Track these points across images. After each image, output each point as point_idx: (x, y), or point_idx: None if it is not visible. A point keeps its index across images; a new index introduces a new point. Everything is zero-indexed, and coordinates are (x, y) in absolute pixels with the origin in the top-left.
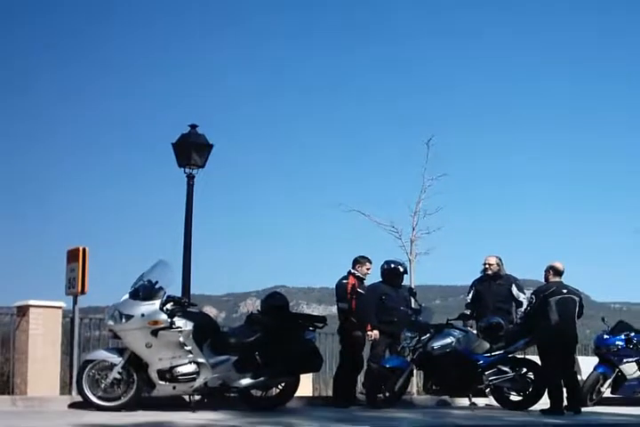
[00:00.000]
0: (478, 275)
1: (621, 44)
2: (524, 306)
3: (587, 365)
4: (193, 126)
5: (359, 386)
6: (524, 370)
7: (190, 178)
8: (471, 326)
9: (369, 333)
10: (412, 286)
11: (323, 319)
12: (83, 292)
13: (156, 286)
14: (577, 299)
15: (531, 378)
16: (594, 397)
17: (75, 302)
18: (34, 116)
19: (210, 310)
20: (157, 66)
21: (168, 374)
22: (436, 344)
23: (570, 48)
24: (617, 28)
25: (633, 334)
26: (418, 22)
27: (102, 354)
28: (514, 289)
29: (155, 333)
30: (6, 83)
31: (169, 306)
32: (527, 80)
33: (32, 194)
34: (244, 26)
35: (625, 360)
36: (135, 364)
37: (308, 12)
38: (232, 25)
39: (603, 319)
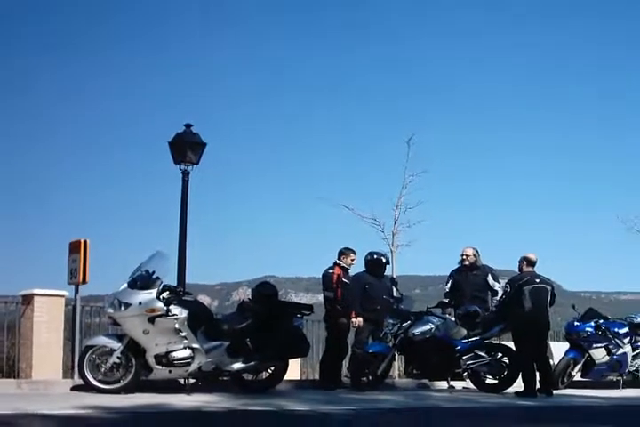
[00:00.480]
0: (456, 265)
1: (599, 48)
2: (500, 295)
3: (558, 350)
4: (188, 126)
5: (344, 370)
6: (500, 355)
7: (185, 174)
8: (449, 314)
9: (353, 320)
10: (394, 276)
11: (310, 307)
12: (84, 281)
13: (153, 276)
14: (549, 288)
15: (505, 362)
16: (565, 380)
17: (76, 291)
18: (34, 116)
19: (204, 299)
20: (155, 67)
21: (164, 359)
22: (417, 331)
23: (547, 52)
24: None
25: (602, 321)
26: (409, 24)
27: (102, 340)
28: (489, 279)
29: (152, 320)
30: (6, 83)
31: (165, 295)
32: (508, 81)
33: (36, 191)
34: (242, 27)
35: (594, 346)
36: (133, 349)
37: (305, 13)
38: (231, 26)
39: (573, 307)
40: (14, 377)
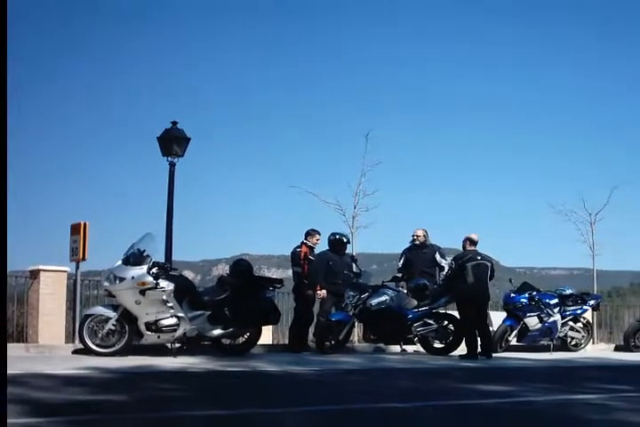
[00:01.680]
0: (408, 244)
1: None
2: (446, 270)
3: (497, 318)
4: (174, 123)
5: (310, 336)
6: (446, 322)
7: (172, 165)
8: (402, 287)
9: (318, 292)
10: (354, 254)
11: (280, 281)
12: (83, 259)
13: (144, 254)
14: (489, 264)
15: (451, 329)
16: (503, 345)
17: (77, 267)
18: (39, 118)
19: (188, 274)
20: (150, 72)
21: (153, 326)
22: (374, 301)
23: (484, 50)
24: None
25: (534, 293)
26: (369, 30)
27: (100, 309)
28: (437, 256)
29: (143, 292)
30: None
31: (154, 270)
32: (458, 84)
33: (42, 179)
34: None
35: (528, 315)
36: (127, 317)
37: (274, 21)
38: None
39: (510, 281)
40: (23, 342)
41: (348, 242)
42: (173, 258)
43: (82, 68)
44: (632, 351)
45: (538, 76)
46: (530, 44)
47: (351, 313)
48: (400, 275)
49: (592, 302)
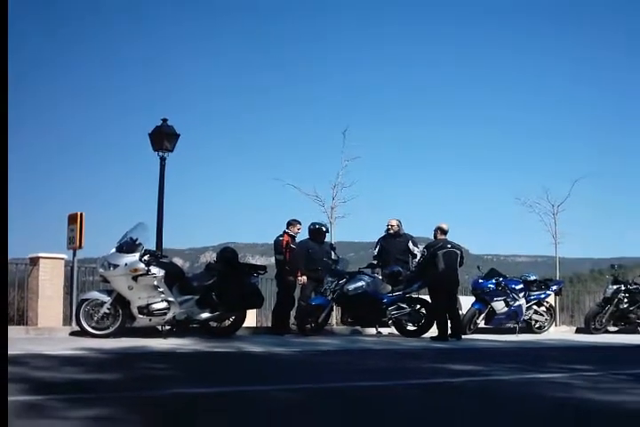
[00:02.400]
0: (383, 233)
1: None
2: (418, 258)
3: (466, 302)
4: (164, 120)
5: (292, 319)
6: (418, 306)
7: (162, 160)
8: (377, 273)
9: (299, 278)
10: (332, 242)
11: (264, 268)
12: (80, 246)
13: (136, 242)
14: (458, 252)
15: (423, 313)
16: (471, 327)
17: (74, 255)
18: (39, 115)
19: (177, 261)
20: (139, 72)
21: (145, 310)
22: (351, 287)
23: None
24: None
25: (501, 279)
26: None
27: (95, 294)
28: (410, 244)
29: (135, 278)
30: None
31: (146, 257)
32: (418, 83)
33: (42, 172)
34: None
35: (495, 299)
36: (120, 302)
37: (258, 21)
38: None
39: (478, 267)
40: (23, 325)
41: (327, 231)
42: (164, 246)
43: (80, 68)
44: (592, 333)
45: (503, 76)
46: (498, 45)
47: (330, 298)
48: (375, 262)
49: (555, 288)
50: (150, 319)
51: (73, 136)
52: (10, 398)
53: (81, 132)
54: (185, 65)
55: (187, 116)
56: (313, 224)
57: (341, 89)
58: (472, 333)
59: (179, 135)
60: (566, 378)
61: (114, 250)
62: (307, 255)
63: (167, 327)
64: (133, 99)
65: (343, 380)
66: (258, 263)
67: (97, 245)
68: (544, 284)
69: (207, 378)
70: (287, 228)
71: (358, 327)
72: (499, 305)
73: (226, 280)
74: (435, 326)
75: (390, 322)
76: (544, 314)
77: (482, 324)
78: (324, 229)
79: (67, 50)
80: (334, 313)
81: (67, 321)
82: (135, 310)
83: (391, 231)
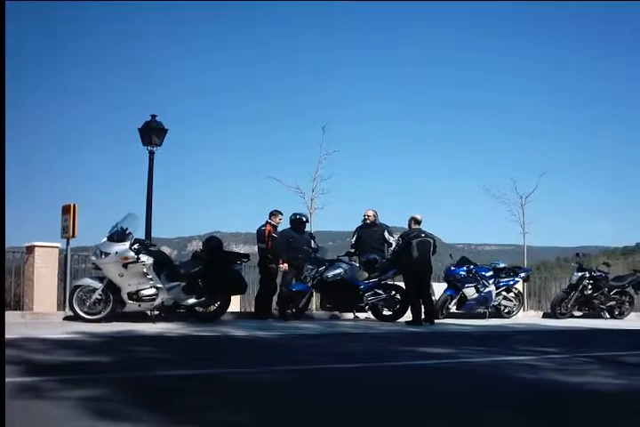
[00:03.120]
0: (360, 223)
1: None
2: (393, 246)
3: (438, 289)
4: (153, 116)
5: (274, 304)
6: (393, 292)
7: (151, 154)
8: (355, 261)
9: (281, 265)
10: (312, 232)
11: (247, 256)
12: (73, 236)
13: (127, 232)
14: (432, 241)
15: (398, 298)
16: (444, 312)
17: (67, 244)
18: (35, 111)
19: (165, 249)
20: (130, 70)
21: (135, 296)
22: (330, 274)
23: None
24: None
25: (472, 266)
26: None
27: (87, 281)
28: (386, 234)
29: (125, 265)
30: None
31: (136, 246)
32: (393, 82)
33: (37, 163)
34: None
35: (466, 285)
36: (111, 288)
37: (245, 22)
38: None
39: (450, 256)
40: (20, 310)
41: (307, 221)
42: (152, 235)
43: (77, 67)
44: (558, 318)
45: (473, 73)
46: (465, 42)
47: (310, 284)
48: (353, 250)
49: (523, 275)
50: (140, 305)
51: (67, 130)
52: (7, 380)
53: (75, 127)
54: (172, 64)
55: (175, 112)
56: (294, 215)
57: (323, 87)
58: (444, 317)
59: (167, 130)
60: (533, 360)
61: (105, 239)
62: (288, 244)
63: (156, 312)
64: (125, 96)
65: (322, 362)
66: (242, 252)
67: (89, 234)
68: (513, 271)
69: (194, 360)
70: (269, 218)
71: (337, 312)
72: (470, 291)
73: (211, 268)
74: (409, 311)
75: (367, 307)
76: (513, 300)
77: (454, 309)
78: (304, 220)
79: (67, 50)
80: (314, 299)
81: (61, 306)
82: (125, 296)
83: (368, 221)
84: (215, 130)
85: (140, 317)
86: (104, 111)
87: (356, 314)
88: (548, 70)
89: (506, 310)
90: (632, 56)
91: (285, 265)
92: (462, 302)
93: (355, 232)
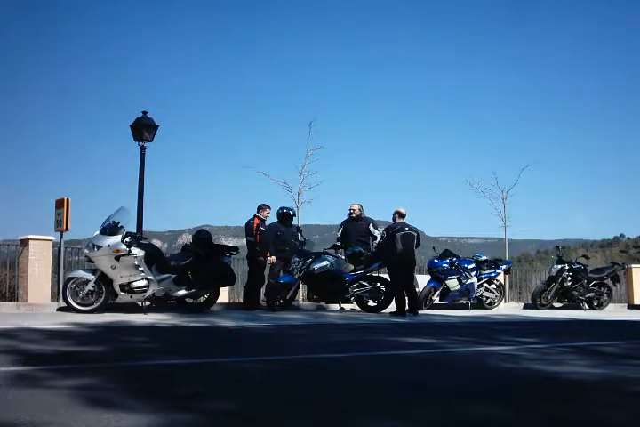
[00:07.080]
0: (346, 217)
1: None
2: (378, 239)
3: (422, 280)
4: (144, 112)
5: (262, 296)
6: (378, 284)
7: (142, 149)
8: (341, 254)
9: (268, 258)
10: (299, 225)
11: (236, 249)
12: (66, 229)
13: (119, 225)
14: (415, 234)
15: (383, 290)
16: (427, 303)
17: (61, 237)
18: (30, 107)
19: (156, 242)
20: (122, 68)
21: (127, 287)
22: (316, 266)
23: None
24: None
25: (455, 259)
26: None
27: (80, 273)
28: (371, 227)
29: (117, 258)
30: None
31: (127, 239)
32: (378, 79)
33: (33, 160)
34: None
35: (449, 277)
36: (104, 280)
37: (235, 19)
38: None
39: (433, 248)
40: (14, 301)
41: (294, 215)
42: (144, 228)
43: (73, 66)
44: (538, 309)
45: (456, 71)
46: (453, 40)
47: (297, 276)
48: (339, 243)
49: (504, 267)
50: (131, 296)
51: (61, 126)
52: (1, 369)
53: (68, 123)
54: (163, 63)
55: (166, 108)
56: (281, 208)
57: (309, 85)
58: (428, 308)
59: (157, 126)
60: (514, 350)
61: (97, 232)
62: (275, 237)
63: (147, 303)
64: (116, 93)
65: (308, 352)
66: (231, 245)
67: (82, 227)
68: (494, 263)
69: (184, 350)
70: (257, 212)
71: (323, 304)
72: (452, 283)
73: (201, 260)
74: (393, 303)
75: (352, 299)
76: (494, 291)
77: (437, 300)
78: (292, 213)
79: (60, 47)
80: (301, 290)
81: (54, 298)
82: (117, 288)
83: (353, 215)
84: (205, 126)
85: (131, 308)
86: (97, 108)
87: (342, 305)
88: (530, 67)
89: (487, 302)
90: (604, 49)
91: (273, 258)
92: (445, 293)
93: (340, 226)
